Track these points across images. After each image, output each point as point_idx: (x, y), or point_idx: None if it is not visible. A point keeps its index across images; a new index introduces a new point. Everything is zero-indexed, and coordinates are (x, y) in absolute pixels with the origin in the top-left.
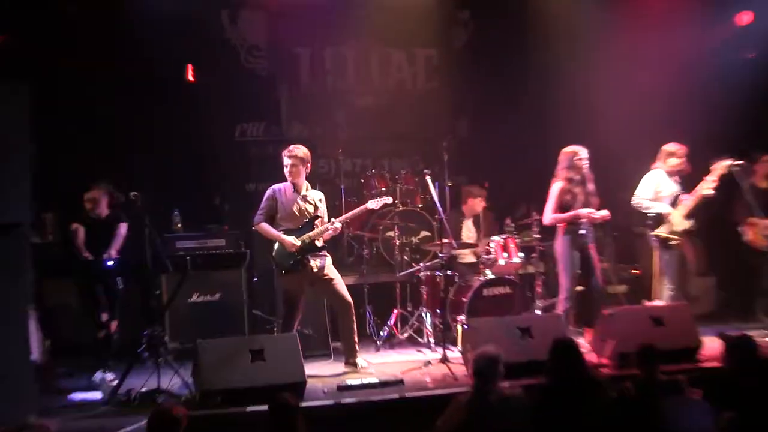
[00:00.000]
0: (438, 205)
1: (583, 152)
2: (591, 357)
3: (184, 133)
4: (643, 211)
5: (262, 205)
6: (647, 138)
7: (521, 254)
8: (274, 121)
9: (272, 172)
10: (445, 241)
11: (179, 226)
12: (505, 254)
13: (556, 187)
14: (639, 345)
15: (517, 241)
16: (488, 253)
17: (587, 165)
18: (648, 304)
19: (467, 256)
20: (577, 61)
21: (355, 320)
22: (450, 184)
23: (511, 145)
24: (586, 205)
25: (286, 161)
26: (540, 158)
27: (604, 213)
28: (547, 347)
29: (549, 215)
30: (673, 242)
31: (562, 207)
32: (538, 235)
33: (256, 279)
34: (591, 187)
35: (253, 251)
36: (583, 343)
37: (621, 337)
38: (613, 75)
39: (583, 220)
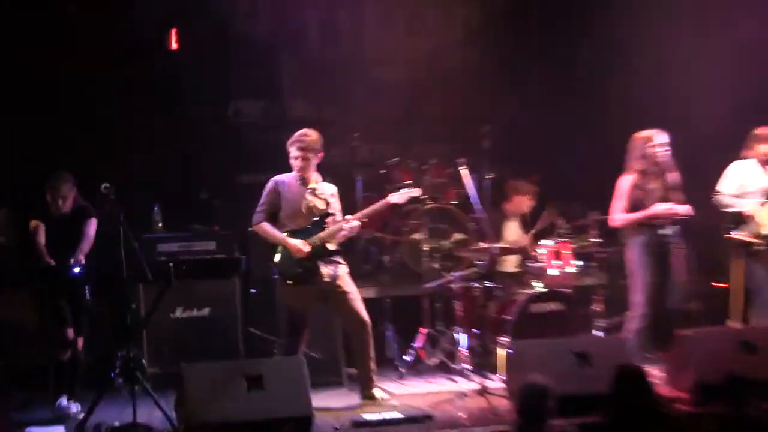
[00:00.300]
0: (476, 202)
1: (659, 137)
2: (664, 390)
3: (165, 112)
4: (724, 209)
5: (262, 200)
6: (735, 122)
7: (577, 262)
8: (274, 98)
9: (273, 160)
10: (483, 245)
11: (160, 225)
12: (558, 262)
13: (625, 181)
14: (725, 375)
15: (572, 246)
16: (537, 260)
17: (666, 153)
18: (734, 324)
19: (511, 265)
20: (650, 30)
21: (373, 342)
22: (491, 177)
23: (566, 130)
24: (664, 201)
25: (295, 152)
26: (602, 146)
27: (686, 208)
28: (609, 377)
29: (618, 215)
30: (758, 248)
31: (634, 205)
32: (597, 240)
33: (253, 291)
34: (673, 178)
35: (249, 257)
36: (655, 372)
37: (702, 365)
38: (693, 46)
39: (662, 219)
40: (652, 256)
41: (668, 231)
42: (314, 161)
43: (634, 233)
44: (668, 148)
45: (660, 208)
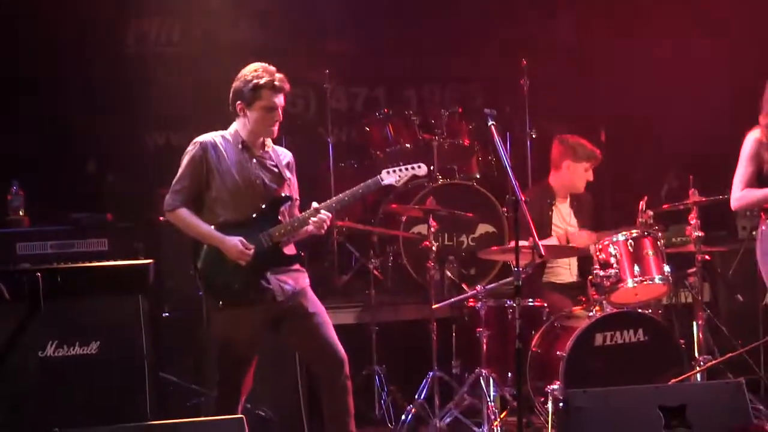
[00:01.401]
0: (512, 176)
1: None
2: None
3: (26, 35)
4: None
5: (181, 174)
6: None
7: (668, 269)
8: (197, 17)
9: (198, 112)
10: (524, 243)
11: (22, 213)
12: (638, 269)
13: (749, 140)
14: None
15: (659, 243)
16: (605, 265)
17: None
18: None
19: (564, 272)
20: None
21: (351, 392)
22: (535, 136)
23: (652, 66)
24: None
25: (272, 97)
26: (710, 89)
27: None
28: None
29: (736, 193)
30: None
31: (762, 178)
32: (700, 233)
33: (167, 314)
34: None
35: (161, 262)
36: None
37: None
38: None
39: None
40: None
41: None
42: None
43: (763, 223)
44: None
45: None
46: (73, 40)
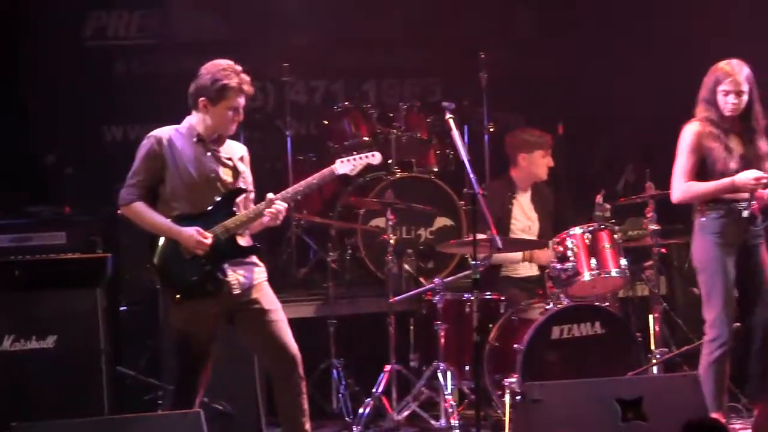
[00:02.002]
0: (469, 169)
1: (737, 69)
2: None
3: None
4: None
5: (136, 168)
6: None
7: (625, 262)
8: (156, 7)
9: (154, 105)
10: (482, 236)
11: None
12: (595, 262)
13: (688, 132)
14: None
15: (616, 237)
16: (562, 258)
17: (744, 92)
18: None
19: (522, 265)
20: None
21: (305, 388)
22: (493, 129)
23: (609, 60)
24: (751, 166)
25: (238, 98)
26: (664, 84)
27: None
28: None
29: (678, 185)
30: None
31: (702, 170)
32: (656, 226)
33: (124, 308)
34: (763, 144)
35: (119, 255)
36: (740, 428)
37: None
38: None
39: (745, 195)
40: (727, 251)
41: (747, 212)
42: None
43: (701, 214)
44: (743, 97)
45: (743, 177)
46: (32, 33)
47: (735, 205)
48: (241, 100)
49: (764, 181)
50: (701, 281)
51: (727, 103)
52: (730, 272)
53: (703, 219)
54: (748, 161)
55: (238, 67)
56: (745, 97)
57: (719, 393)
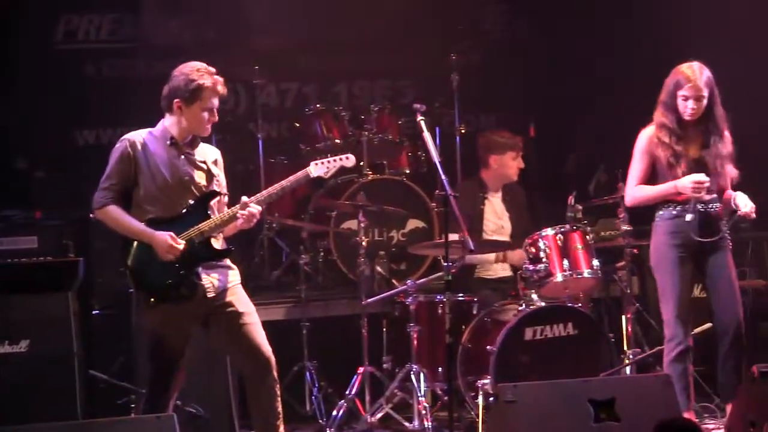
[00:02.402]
0: (441, 171)
1: (698, 73)
2: None
3: None
4: None
5: (110, 171)
6: None
7: (597, 262)
8: (128, 11)
9: (126, 108)
10: (454, 237)
11: None
12: (567, 263)
13: (642, 136)
14: None
15: (589, 237)
16: (534, 259)
17: (704, 96)
18: None
19: (495, 266)
20: None
21: (279, 390)
22: (464, 131)
23: (582, 61)
24: (704, 170)
25: (212, 99)
26: (636, 83)
27: (735, 195)
28: None
29: (629, 189)
30: None
31: (654, 174)
32: (627, 226)
33: (97, 312)
34: (723, 147)
35: (90, 259)
36: (713, 428)
37: None
38: None
39: (698, 195)
40: (681, 253)
41: (693, 216)
42: None
43: (656, 216)
44: (703, 102)
45: (685, 182)
46: (2, 35)
47: (683, 207)
48: (216, 101)
49: (706, 185)
50: (657, 281)
51: (687, 108)
52: (684, 272)
53: (657, 220)
54: (702, 166)
55: (212, 69)
56: (704, 102)
57: (683, 392)
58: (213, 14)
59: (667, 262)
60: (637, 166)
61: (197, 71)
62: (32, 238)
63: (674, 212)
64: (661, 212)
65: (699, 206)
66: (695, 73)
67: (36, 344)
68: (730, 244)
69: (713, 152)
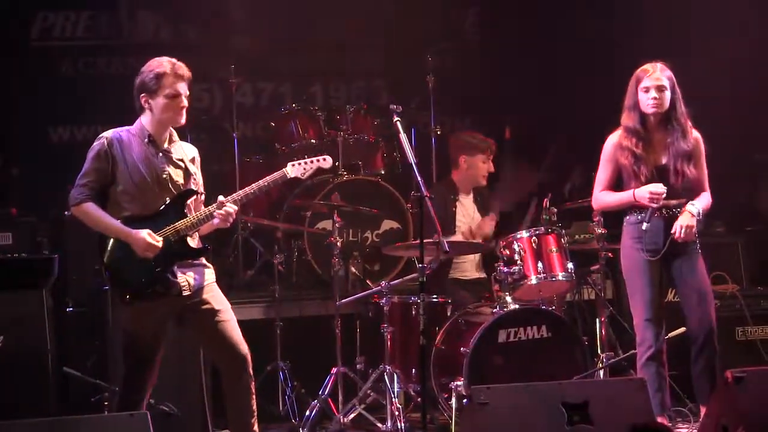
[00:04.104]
0: (417, 172)
1: (657, 66)
2: None
3: None
4: None
5: (87, 169)
6: None
7: (571, 265)
8: (104, 9)
9: (104, 106)
10: (429, 239)
11: None
12: (542, 265)
13: (608, 142)
14: None
15: (563, 240)
16: (509, 262)
17: (665, 87)
18: None
19: (469, 268)
20: None
21: (254, 391)
22: (440, 132)
23: (556, 65)
24: (666, 175)
25: (175, 84)
26: (610, 86)
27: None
28: None
29: (594, 194)
30: None
31: (620, 179)
32: (602, 230)
33: (71, 309)
34: (684, 145)
35: (65, 257)
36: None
37: (757, 421)
38: None
39: (654, 205)
40: (649, 257)
41: (648, 224)
42: None
43: (624, 221)
44: (664, 93)
45: (644, 191)
46: None
47: (645, 214)
48: (180, 86)
49: (663, 195)
50: (626, 285)
51: (648, 100)
52: (653, 276)
53: (625, 224)
54: (664, 173)
55: (173, 59)
56: (667, 93)
57: (656, 395)
58: (190, 12)
59: (635, 266)
60: (602, 173)
61: (156, 62)
62: (7, 235)
63: (639, 218)
64: (628, 217)
65: (665, 211)
66: (654, 66)
67: (10, 341)
68: (699, 248)
69: (674, 152)
